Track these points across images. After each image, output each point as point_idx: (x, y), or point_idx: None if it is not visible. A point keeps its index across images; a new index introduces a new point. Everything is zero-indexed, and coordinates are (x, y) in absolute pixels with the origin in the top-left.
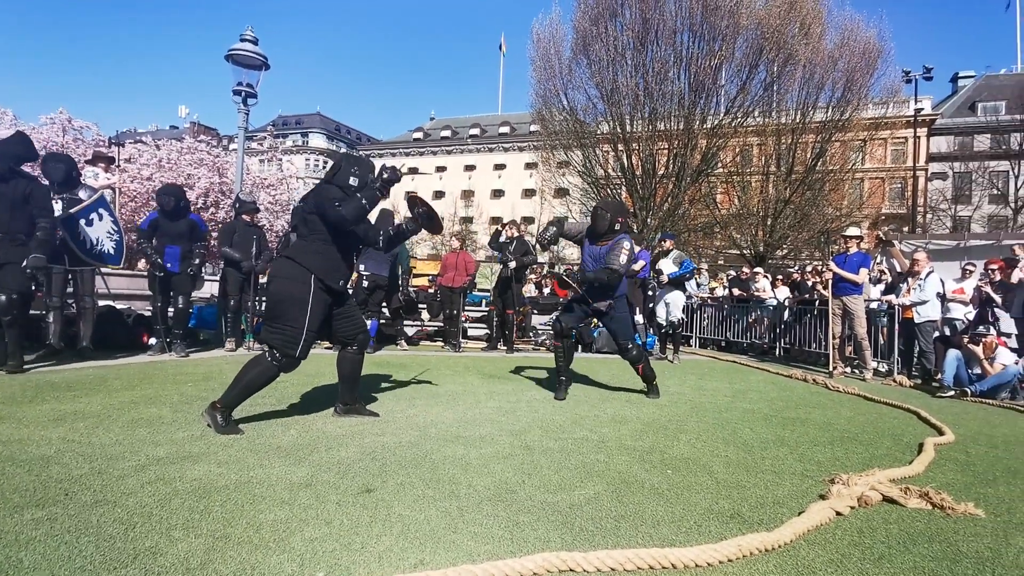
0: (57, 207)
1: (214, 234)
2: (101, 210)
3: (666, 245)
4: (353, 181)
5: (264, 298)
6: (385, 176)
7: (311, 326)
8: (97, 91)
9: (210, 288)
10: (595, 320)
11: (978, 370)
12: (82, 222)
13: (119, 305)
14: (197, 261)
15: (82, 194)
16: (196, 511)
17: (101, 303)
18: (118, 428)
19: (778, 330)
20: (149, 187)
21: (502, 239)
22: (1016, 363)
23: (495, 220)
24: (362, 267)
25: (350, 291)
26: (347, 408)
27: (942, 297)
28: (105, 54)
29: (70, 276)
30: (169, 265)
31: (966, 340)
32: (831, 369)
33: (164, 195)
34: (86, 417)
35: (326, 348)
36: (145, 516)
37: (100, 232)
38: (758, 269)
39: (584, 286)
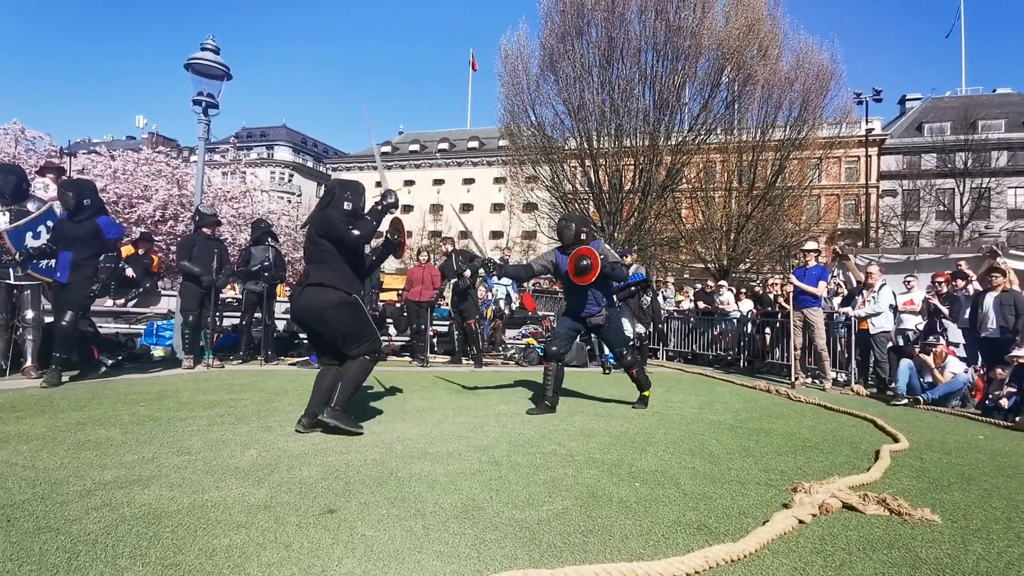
0: (4, 219)
1: (160, 249)
2: (50, 222)
3: (626, 261)
4: (347, 206)
5: (313, 326)
6: (389, 201)
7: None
8: (50, 100)
9: (167, 303)
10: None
11: (929, 379)
12: (29, 235)
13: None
14: (104, 276)
15: (30, 206)
16: (144, 538)
17: (46, 319)
18: (63, 451)
19: (742, 342)
20: (103, 198)
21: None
22: (966, 372)
23: (463, 235)
24: None
25: None
26: (313, 422)
27: (894, 309)
28: (59, 61)
29: (14, 291)
30: (58, 275)
31: (917, 350)
32: (793, 380)
33: (63, 191)
34: (30, 439)
35: (290, 365)
36: (90, 544)
37: None
38: (722, 282)
39: (606, 272)
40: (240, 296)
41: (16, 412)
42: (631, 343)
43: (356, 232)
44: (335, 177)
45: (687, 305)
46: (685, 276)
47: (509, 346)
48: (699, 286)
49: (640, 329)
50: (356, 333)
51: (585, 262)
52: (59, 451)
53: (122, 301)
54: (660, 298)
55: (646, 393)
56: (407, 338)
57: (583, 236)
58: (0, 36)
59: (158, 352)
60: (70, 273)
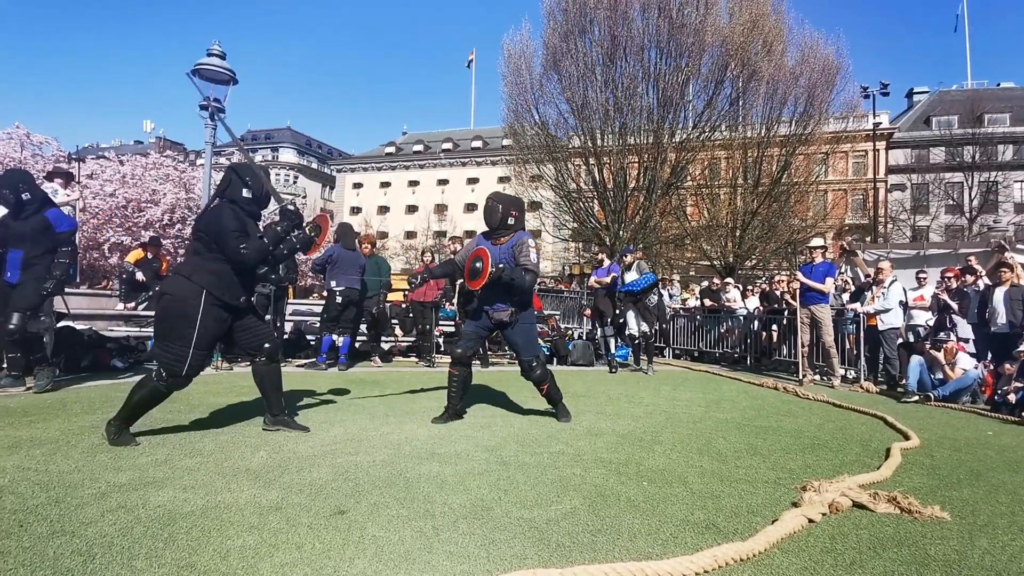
0: None
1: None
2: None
3: (627, 260)
4: (246, 194)
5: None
6: (291, 219)
7: (199, 344)
8: (57, 105)
9: None
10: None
11: (940, 375)
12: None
13: (79, 325)
14: (58, 272)
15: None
16: (160, 539)
17: (62, 323)
18: (77, 454)
19: (749, 340)
20: (112, 203)
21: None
22: (976, 368)
23: (469, 234)
24: (333, 283)
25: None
26: (275, 419)
27: (904, 305)
28: (66, 66)
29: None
30: (9, 275)
31: (927, 346)
32: (801, 377)
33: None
34: (43, 443)
35: (298, 366)
36: (105, 547)
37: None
38: (728, 280)
39: (492, 282)
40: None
41: (28, 416)
42: (636, 341)
43: (244, 250)
44: (234, 162)
45: (693, 303)
46: (691, 274)
47: None
48: (705, 283)
49: (645, 328)
50: (166, 331)
51: (478, 264)
52: (73, 454)
53: (132, 305)
54: (666, 296)
55: (563, 404)
56: (413, 339)
57: (511, 221)
58: (6, 42)
59: None
60: (21, 272)
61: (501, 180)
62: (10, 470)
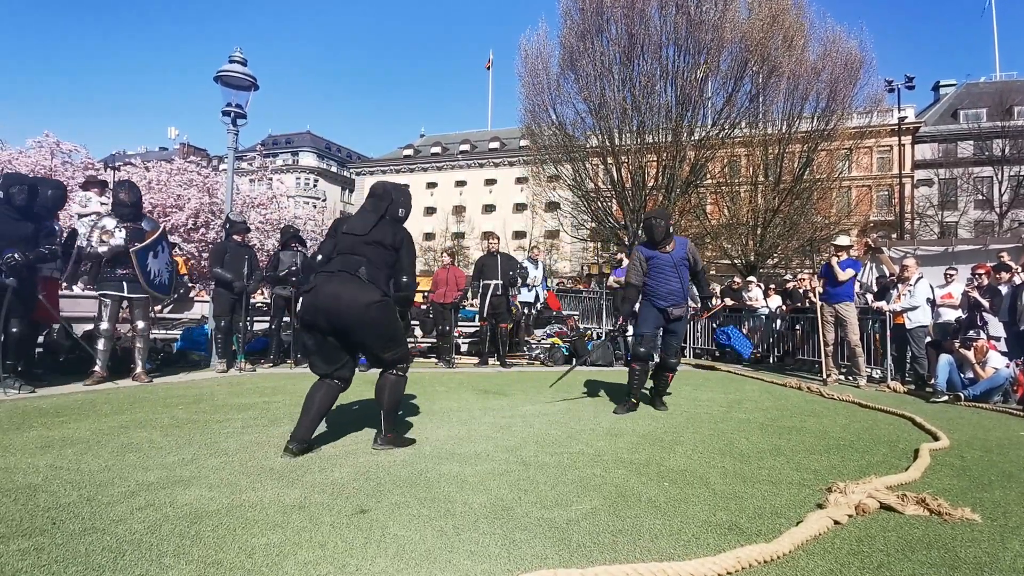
0: (120, 235)
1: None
2: (164, 244)
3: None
4: (402, 213)
5: (346, 323)
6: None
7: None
8: (84, 113)
9: (200, 309)
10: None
11: (970, 374)
12: (150, 254)
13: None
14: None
15: (144, 225)
16: (187, 537)
17: (87, 327)
18: (107, 453)
19: (771, 339)
20: None
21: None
22: (1007, 366)
23: (487, 235)
24: None
25: None
26: (303, 448)
27: (932, 302)
28: (91, 76)
29: (123, 304)
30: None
31: (957, 345)
32: (825, 377)
33: (12, 185)
34: (75, 443)
35: None
36: (135, 544)
37: (161, 264)
38: (751, 278)
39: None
40: (269, 301)
41: (60, 417)
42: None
43: (407, 286)
44: (383, 181)
45: (713, 302)
46: (711, 272)
47: (534, 346)
48: (727, 282)
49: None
50: (394, 335)
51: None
52: (103, 454)
53: (158, 308)
54: None
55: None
56: (433, 340)
57: (670, 231)
58: (27, 47)
59: (195, 356)
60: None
61: (519, 181)
62: (43, 469)
